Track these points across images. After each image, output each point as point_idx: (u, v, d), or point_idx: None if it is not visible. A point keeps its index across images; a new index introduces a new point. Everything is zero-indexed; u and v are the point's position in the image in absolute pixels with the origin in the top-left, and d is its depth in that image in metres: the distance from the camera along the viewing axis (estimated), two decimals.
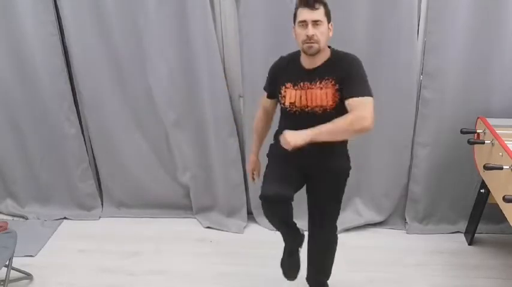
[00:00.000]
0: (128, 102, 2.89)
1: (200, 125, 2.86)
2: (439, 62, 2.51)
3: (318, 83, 1.86)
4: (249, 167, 2.33)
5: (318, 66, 1.88)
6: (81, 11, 2.65)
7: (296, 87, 1.90)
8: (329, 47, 1.91)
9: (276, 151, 2.03)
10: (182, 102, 2.82)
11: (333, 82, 1.85)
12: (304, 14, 1.78)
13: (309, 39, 1.79)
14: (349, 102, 1.79)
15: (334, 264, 2.29)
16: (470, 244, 2.76)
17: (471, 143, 2.39)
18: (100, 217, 3.21)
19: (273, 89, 2.03)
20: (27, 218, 3.22)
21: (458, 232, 2.87)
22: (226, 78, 2.72)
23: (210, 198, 3.06)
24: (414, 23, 2.46)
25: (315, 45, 1.80)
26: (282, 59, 2.01)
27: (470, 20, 2.40)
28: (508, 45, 2.43)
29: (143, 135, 2.99)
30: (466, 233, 2.83)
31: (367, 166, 2.83)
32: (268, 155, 2.13)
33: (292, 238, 2.15)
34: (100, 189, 3.26)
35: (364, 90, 1.79)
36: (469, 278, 2.50)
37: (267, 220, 2.07)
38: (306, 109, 1.89)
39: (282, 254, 2.22)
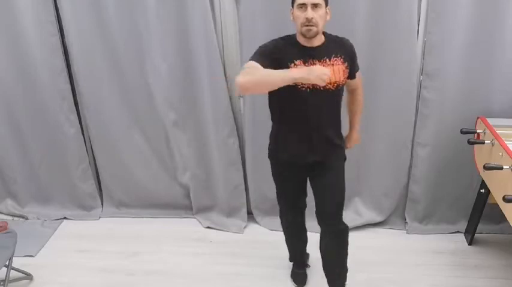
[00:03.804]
0: (127, 102, 2.89)
1: (200, 125, 2.86)
2: (439, 62, 2.50)
3: (327, 60, 1.88)
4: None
5: (319, 46, 1.89)
6: (81, 11, 2.65)
7: (307, 65, 1.85)
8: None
9: (281, 159, 2.10)
10: (182, 102, 2.82)
11: (341, 60, 1.91)
12: None
13: (308, 21, 1.80)
14: (356, 80, 2.09)
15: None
16: (470, 244, 2.76)
17: (471, 143, 2.39)
18: (100, 217, 3.21)
19: (267, 66, 1.83)
20: (27, 218, 3.22)
21: (458, 232, 2.87)
22: (226, 78, 2.72)
23: (210, 198, 3.06)
24: (414, 23, 2.46)
25: (314, 28, 1.82)
26: (276, 40, 1.94)
27: (470, 20, 2.40)
28: (508, 45, 2.43)
29: (143, 135, 2.99)
30: (466, 233, 2.83)
31: (367, 166, 2.84)
32: (273, 164, 2.17)
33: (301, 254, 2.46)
34: (100, 189, 3.26)
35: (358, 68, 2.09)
36: (469, 278, 2.50)
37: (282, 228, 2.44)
38: (318, 86, 1.85)
39: (287, 261, 2.56)
